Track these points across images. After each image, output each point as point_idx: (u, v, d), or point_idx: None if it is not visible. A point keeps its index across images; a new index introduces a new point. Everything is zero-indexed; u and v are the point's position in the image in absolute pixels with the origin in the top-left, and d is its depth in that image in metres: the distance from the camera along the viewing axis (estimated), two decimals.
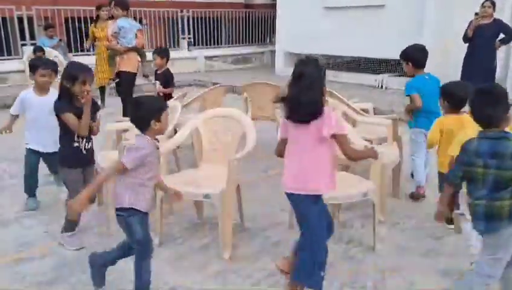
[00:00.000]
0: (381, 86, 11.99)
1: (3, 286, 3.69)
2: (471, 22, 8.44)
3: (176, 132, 5.15)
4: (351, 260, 4.07)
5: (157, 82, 7.03)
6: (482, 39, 8.30)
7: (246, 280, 3.78)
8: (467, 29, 8.47)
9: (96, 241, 4.39)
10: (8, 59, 11.86)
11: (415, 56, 5.27)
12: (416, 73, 5.28)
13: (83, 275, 3.80)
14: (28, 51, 10.86)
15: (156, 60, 7.07)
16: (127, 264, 3.51)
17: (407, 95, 5.23)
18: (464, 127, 3.77)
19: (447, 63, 10.12)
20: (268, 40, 17.73)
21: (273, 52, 15.72)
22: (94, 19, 10.10)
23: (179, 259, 4.08)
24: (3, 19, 11.87)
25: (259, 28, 17.66)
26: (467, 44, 8.60)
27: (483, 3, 8.33)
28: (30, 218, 4.87)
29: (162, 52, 7.13)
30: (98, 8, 9.89)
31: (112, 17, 8.66)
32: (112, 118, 7.00)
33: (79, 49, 12.94)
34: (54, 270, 3.89)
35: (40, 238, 4.45)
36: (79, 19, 12.89)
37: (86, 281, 3.72)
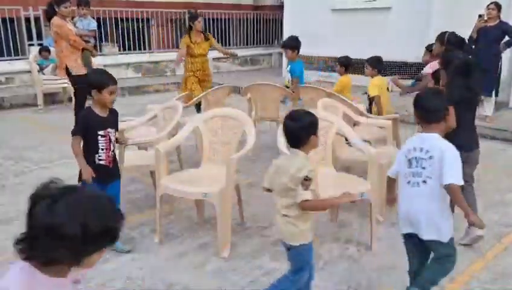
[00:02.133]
0: (387, 89, 11.97)
1: None
2: (475, 24, 8.43)
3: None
4: (348, 259, 4.09)
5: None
6: (486, 41, 8.28)
7: (244, 278, 3.81)
8: (471, 32, 8.46)
9: None
10: (15, 59, 11.94)
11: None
12: None
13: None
14: (34, 51, 10.94)
15: None
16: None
17: None
18: None
19: None
20: (276, 42, 17.74)
21: (280, 53, 15.71)
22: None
23: (178, 257, 4.12)
24: (11, 19, 11.96)
25: (268, 29, 17.69)
26: (472, 46, 8.58)
27: (487, 5, 8.32)
28: None
29: None
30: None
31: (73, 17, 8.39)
32: None
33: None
34: None
35: None
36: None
37: (85, 279, 3.76)
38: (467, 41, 8.46)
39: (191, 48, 8.15)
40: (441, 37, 5.90)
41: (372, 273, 3.88)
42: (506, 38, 8.25)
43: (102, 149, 3.93)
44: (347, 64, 7.05)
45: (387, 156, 4.87)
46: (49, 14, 7.48)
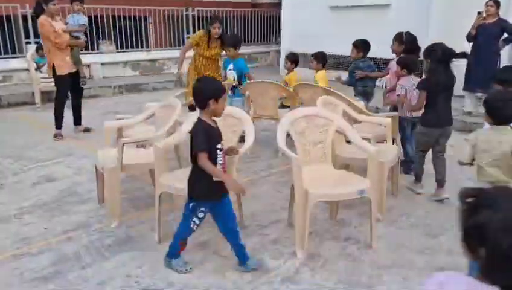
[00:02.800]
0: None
1: (2, 281, 3.72)
2: (474, 21, 8.42)
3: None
4: (348, 257, 4.08)
5: None
6: (485, 38, 8.25)
7: (243, 276, 3.79)
8: (470, 29, 8.45)
9: (96, 237, 4.42)
10: (12, 57, 11.90)
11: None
12: None
13: (82, 271, 3.84)
14: (31, 49, 10.91)
15: None
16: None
17: None
18: None
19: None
20: (274, 40, 17.74)
21: (278, 51, 15.73)
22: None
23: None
24: (7, 17, 11.91)
25: (266, 27, 17.67)
26: (471, 44, 8.57)
27: (486, 2, 8.30)
28: (31, 214, 4.91)
29: None
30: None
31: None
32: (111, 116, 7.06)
33: (83, 48, 12.94)
34: (53, 266, 3.92)
35: (39, 235, 4.48)
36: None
37: (84, 277, 3.76)
38: (465, 38, 8.51)
39: (201, 48, 7.69)
40: (399, 37, 6.74)
41: (372, 271, 3.87)
42: (505, 35, 8.23)
43: (220, 163, 3.61)
44: (324, 60, 7.42)
45: (387, 154, 4.88)
46: (37, 12, 7.46)
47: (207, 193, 3.64)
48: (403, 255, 4.13)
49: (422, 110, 5.23)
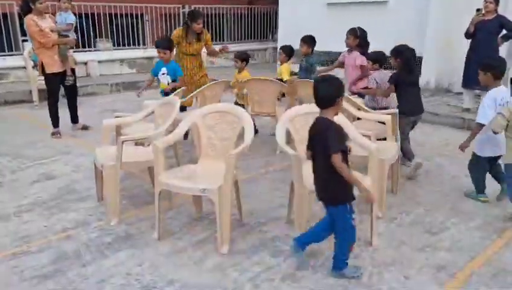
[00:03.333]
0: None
1: (1, 279, 3.71)
2: (473, 18, 8.41)
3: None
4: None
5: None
6: (483, 35, 8.25)
7: (244, 274, 3.79)
8: (469, 25, 8.44)
9: (96, 235, 4.41)
10: (9, 55, 11.86)
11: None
12: None
13: (82, 269, 3.83)
14: (28, 47, 10.87)
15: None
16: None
17: None
18: None
19: (450, 59, 10.12)
20: (270, 37, 17.72)
21: (275, 48, 15.71)
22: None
23: (177, 253, 4.10)
24: (4, 14, 11.87)
25: (262, 24, 17.65)
26: (470, 40, 8.57)
27: None
28: (30, 212, 4.89)
29: None
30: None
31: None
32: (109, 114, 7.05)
33: (80, 45, 12.91)
34: (53, 264, 3.90)
35: (39, 233, 4.46)
36: (80, 14, 12.91)
37: (84, 275, 3.75)
38: (464, 35, 8.51)
39: (182, 46, 7.59)
40: (354, 32, 7.44)
41: (372, 268, 3.87)
42: (504, 31, 8.23)
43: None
44: (292, 53, 8.06)
45: (387, 151, 4.87)
46: (24, 10, 7.42)
47: (351, 192, 3.59)
48: (403, 252, 4.13)
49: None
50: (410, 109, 5.91)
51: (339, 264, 3.72)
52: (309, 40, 7.73)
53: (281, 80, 7.49)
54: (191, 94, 6.76)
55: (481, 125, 4.90)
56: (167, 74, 6.77)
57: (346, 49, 7.60)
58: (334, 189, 3.55)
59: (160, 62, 6.85)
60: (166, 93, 6.54)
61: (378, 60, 6.46)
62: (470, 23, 8.37)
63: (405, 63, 5.86)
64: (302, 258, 3.87)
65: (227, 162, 4.02)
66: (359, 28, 7.53)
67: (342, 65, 7.73)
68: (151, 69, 7.06)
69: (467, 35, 8.48)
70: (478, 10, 8.39)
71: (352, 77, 7.35)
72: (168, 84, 6.75)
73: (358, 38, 7.36)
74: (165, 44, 6.83)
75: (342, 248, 3.70)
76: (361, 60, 7.21)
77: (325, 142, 3.39)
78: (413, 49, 5.97)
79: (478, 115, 4.98)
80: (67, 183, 5.64)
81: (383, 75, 6.28)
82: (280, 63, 8.19)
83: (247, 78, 7.44)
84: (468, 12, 8.67)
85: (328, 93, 3.52)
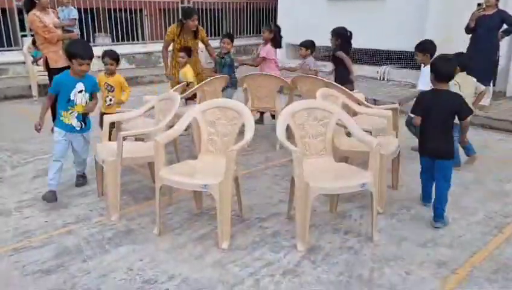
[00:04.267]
0: (383, 78, 11.98)
1: (3, 274, 3.71)
2: (473, 13, 8.40)
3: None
4: (349, 250, 4.08)
5: None
6: (484, 30, 8.24)
7: (244, 269, 3.79)
8: (469, 20, 8.43)
9: (97, 230, 4.41)
10: (8, 50, 11.84)
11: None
12: None
13: (83, 264, 3.83)
14: (27, 42, 10.85)
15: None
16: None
17: None
18: None
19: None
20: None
21: None
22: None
23: (178, 249, 4.10)
24: (3, 10, 11.85)
25: (261, 19, 17.62)
26: (470, 35, 8.55)
27: None
28: (31, 208, 4.89)
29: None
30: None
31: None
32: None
33: None
34: (54, 259, 3.91)
35: (40, 228, 4.46)
36: (79, 10, 12.90)
37: (86, 270, 3.75)
38: (464, 29, 8.49)
39: (176, 43, 7.59)
40: (269, 27, 7.93)
41: (373, 264, 3.87)
42: (505, 26, 8.21)
43: None
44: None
45: (388, 146, 4.87)
46: (26, 7, 7.41)
47: None
48: (404, 248, 4.13)
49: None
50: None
51: (442, 212, 4.52)
52: (232, 38, 7.89)
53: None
54: (191, 90, 6.75)
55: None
56: (85, 92, 5.13)
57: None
58: (451, 146, 4.52)
59: (70, 77, 5.08)
60: (83, 119, 5.18)
61: (310, 47, 7.72)
62: (471, 18, 8.36)
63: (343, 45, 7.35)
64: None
65: (228, 158, 4.02)
66: (274, 23, 8.61)
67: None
68: (50, 88, 5.26)
69: (468, 30, 8.46)
70: (479, 5, 8.37)
71: (263, 68, 7.87)
72: (87, 104, 5.17)
73: (272, 32, 7.85)
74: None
75: (446, 197, 4.52)
76: (265, 51, 7.86)
77: (458, 107, 4.40)
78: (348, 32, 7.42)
79: (419, 83, 6.31)
80: (67, 178, 5.62)
81: (313, 60, 7.69)
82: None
83: (188, 74, 7.15)
84: (468, 7, 8.66)
85: (449, 68, 4.49)
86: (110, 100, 6.06)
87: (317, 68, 7.65)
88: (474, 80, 5.90)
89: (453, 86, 5.31)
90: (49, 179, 4.98)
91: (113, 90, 6.06)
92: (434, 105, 4.46)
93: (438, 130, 4.46)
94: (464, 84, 5.64)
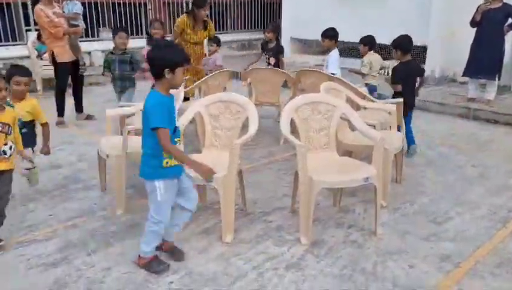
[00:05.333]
0: (387, 73, 11.93)
1: (8, 267, 3.73)
2: (479, 6, 8.34)
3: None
4: (352, 244, 4.08)
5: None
6: (490, 24, 8.17)
7: (248, 263, 3.81)
8: (474, 14, 8.38)
9: (101, 224, 4.43)
10: (13, 45, 11.84)
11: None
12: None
13: (88, 257, 3.85)
14: (32, 36, 10.85)
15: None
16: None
17: None
18: None
19: (454, 49, 10.06)
20: None
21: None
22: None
23: (181, 242, 4.09)
24: (8, 4, 11.85)
25: (266, 13, 17.58)
26: (475, 29, 8.51)
27: None
28: (35, 201, 4.91)
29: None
30: None
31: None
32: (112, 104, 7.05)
33: (83, 35, 12.88)
34: (59, 253, 3.92)
35: (45, 221, 4.48)
36: (83, 4, 12.89)
37: (90, 263, 3.77)
38: (469, 23, 8.44)
39: (186, 34, 7.58)
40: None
41: (377, 258, 3.88)
42: (510, 20, 8.16)
43: None
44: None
45: (392, 140, 4.87)
46: (34, 0, 7.43)
47: None
48: (407, 242, 4.13)
49: None
50: None
51: (412, 138, 6.12)
52: (126, 32, 7.39)
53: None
54: (194, 84, 6.75)
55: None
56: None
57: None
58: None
59: None
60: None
61: (219, 42, 7.89)
62: (477, 12, 8.30)
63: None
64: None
65: (232, 152, 4.02)
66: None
67: None
68: None
69: (473, 24, 8.40)
70: None
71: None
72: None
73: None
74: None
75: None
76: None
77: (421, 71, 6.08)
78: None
79: (329, 67, 7.07)
80: (72, 172, 5.65)
81: (221, 56, 7.85)
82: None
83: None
84: (471, 2, 8.60)
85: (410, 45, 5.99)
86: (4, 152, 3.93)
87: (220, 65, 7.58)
88: (380, 57, 7.56)
89: (366, 65, 7.29)
90: None
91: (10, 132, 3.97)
92: (408, 73, 6.05)
93: (411, 89, 6.12)
94: (374, 63, 7.34)
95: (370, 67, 7.29)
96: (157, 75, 3.34)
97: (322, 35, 7.22)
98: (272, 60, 8.07)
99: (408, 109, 5.92)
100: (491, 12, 8.17)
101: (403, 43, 6.12)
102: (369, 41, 7.39)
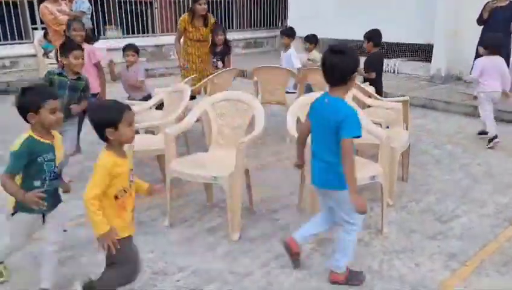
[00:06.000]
0: (393, 71, 11.93)
1: (14, 265, 3.74)
2: (486, 3, 8.31)
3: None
4: (359, 243, 4.04)
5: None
6: (497, 22, 8.13)
7: (255, 260, 3.81)
8: (482, 12, 8.34)
9: None
10: (19, 43, 11.89)
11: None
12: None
13: (94, 256, 3.86)
14: (38, 35, 10.89)
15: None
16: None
17: None
18: None
19: (460, 47, 10.04)
20: (280, 24, 17.64)
21: None
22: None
23: (188, 240, 4.13)
24: (14, 3, 11.90)
25: (271, 11, 17.58)
26: (481, 27, 8.47)
27: None
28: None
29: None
30: None
31: None
32: None
33: None
34: (65, 251, 3.92)
35: None
36: (90, 1, 12.93)
37: (96, 262, 3.78)
38: (476, 21, 8.40)
39: (188, 32, 7.54)
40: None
41: (383, 256, 3.88)
42: None
43: None
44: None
45: (398, 139, 4.86)
46: None
47: None
48: (413, 240, 4.13)
49: None
50: None
51: None
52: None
53: None
54: (200, 83, 6.76)
55: None
56: None
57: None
58: None
59: None
60: None
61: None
62: (484, 10, 8.26)
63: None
64: None
65: (238, 150, 4.03)
66: None
67: None
68: None
69: (480, 21, 8.37)
70: None
71: None
72: None
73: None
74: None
75: None
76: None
77: None
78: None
79: (295, 63, 7.63)
80: (79, 170, 5.66)
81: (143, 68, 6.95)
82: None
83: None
84: (477, 0, 8.57)
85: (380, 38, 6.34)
86: None
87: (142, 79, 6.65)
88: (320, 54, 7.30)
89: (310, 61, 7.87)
90: None
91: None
92: (379, 62, 6.84)
93: (381, 76, 6.80)
94: (317, 59, 7.73)
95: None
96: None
97: (284, 33, 7.96)
98: (220, 64, 7.51)
99: (379, 94, 6.22)
100: (499, 10, 8.13)
101: (376, 36, 6.78)
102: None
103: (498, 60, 6.57)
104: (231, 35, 15.92)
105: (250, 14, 17.02)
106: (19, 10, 11.97)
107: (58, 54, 5.15)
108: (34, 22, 12.03)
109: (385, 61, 12.19)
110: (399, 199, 4.88)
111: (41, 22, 11.86)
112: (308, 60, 8.12)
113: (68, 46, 5.03)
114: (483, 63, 6.59)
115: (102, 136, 2.98)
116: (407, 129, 5.45)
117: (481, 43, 8.38)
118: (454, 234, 4.23)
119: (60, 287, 3.49)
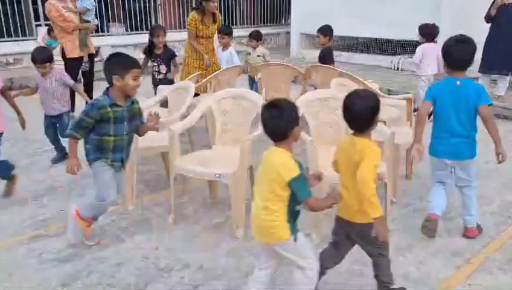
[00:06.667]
0: (397, 68, 11.90)
1: (19, 262, 3.76)
2: (494, 0, 8.26)
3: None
4: None
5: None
6: (505, 19, 8.06)
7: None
8: (490, 9, 8.29)
9: (112, 219, 4.45)
10: (22, 40, 11.90)
11: None
12: None
13: (99, 253, 3.87)
14: (41, 32, 10.90)
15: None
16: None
17: None
18: None
19: None
20: (283, 21, 17.62)
21: (288, 33, 15.62)
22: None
23: (192, 238, 4.13)
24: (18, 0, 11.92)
25: (275, 8, 17.55)
26: (489, 25, 8.42)
27: None
28: (47, 196, 4.95)
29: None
30: None
31: None
32: None
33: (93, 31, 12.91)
34: (70, 248, 3.95)
35: (56, 216, 4.52)
36: None
37: (102, 259, 3.80)
38: (484, 18, 8.35)
39: (199, 30, 7.51)
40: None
41: None
42: None
43: None
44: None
45: (402, 136, 4.85)
46: None
47: None
48: (418, 237, 4.12)
49: None
50: None
51: None
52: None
53: None
54: (206, 79, 6.76)
55: None
56: None
57: None
58: None
59: None
60: None
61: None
62: (493, 7, 8.21)
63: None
64: None
65: (242, 148, 4.03)
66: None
67: None
68: None
69: (488, 19, 8.32)
70: None
71: None
72: None
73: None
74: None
75: None
76: None
77: None
78: None
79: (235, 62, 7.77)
80: (83, 167, 5.66)
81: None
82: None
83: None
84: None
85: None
86: None
87: None
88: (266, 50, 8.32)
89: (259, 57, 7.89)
90: None
91: None
92: (332, 54, 7.34)
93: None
94: (267, 54, 8.10)
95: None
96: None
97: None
98: (163, 69, 7.21)
99: None
100: (507, 7, 8.07)
101: (331, 31, 7.47)
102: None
103: (435, 46, 7.55)
104: (235, 32, 15.97)
105: (254, 10, 16.99)
106: (23, 7, 11.97)
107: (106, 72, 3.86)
108: (37, 18, 12.03)
109: (390, 58, 12.32)
110: (403, 197, 4.87)
111: (45, 19, 11.91)
112: (258, 56, 7.96)
113: (126, 63, 3.77)
114: (423, 49, 7.72)
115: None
116: (411, 126, 5.44)
117: (489, 40, 8.37)
118: (459, 232, 4.22)
119: (64, 284, 3.51)
